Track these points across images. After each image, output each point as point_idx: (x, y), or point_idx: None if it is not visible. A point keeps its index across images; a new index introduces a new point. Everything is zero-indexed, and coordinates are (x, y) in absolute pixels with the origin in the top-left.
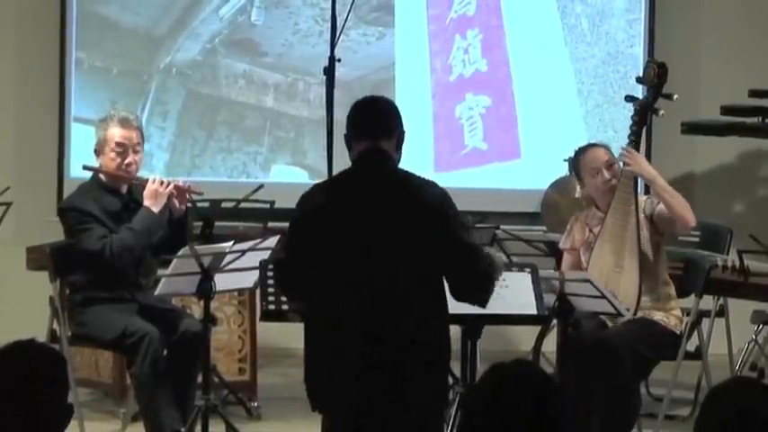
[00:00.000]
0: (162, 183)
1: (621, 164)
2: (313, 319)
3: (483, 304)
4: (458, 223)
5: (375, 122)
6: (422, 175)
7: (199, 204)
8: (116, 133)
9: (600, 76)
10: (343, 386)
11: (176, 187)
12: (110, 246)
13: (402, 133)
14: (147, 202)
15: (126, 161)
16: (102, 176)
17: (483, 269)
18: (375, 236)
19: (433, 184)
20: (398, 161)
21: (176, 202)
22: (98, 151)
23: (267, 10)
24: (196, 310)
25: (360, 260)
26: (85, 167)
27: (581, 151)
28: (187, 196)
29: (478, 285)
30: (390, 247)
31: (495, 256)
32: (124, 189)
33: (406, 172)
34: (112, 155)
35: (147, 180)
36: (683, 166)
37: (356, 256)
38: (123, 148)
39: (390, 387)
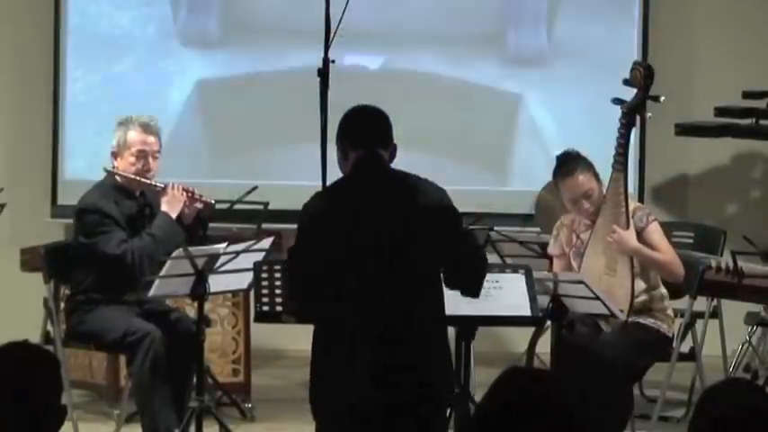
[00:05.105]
0: (179, 189)
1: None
2: (325, 322)
3: (477, 290)
4: (456, 215)
5: (373, 131)
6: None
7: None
8: (137, 138)
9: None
10: (357, 385)
11: (190, 197)
12: (131, 252)
13: (395, 148)
14: (165, 207)
15: (145, 167)
16: (118, 179)
17: (479, 254)
18: (384, 236)
19: (429, 182)
20: None
21: (186, 210)
22: (116, 154)
23: None
24: (190, 311)
25: (371, 261)
26: (106, 170)
27: (560, 172)
28: (197, 205)
29: (475, 270)
30: (400, 245)
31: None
32: (138, 192)
33: (404, 172)
34: (132, 159)
35: (164, 186)
36: (677, 167)
37: (367, 257)
38: (143, 154)
39: (407, 383)
